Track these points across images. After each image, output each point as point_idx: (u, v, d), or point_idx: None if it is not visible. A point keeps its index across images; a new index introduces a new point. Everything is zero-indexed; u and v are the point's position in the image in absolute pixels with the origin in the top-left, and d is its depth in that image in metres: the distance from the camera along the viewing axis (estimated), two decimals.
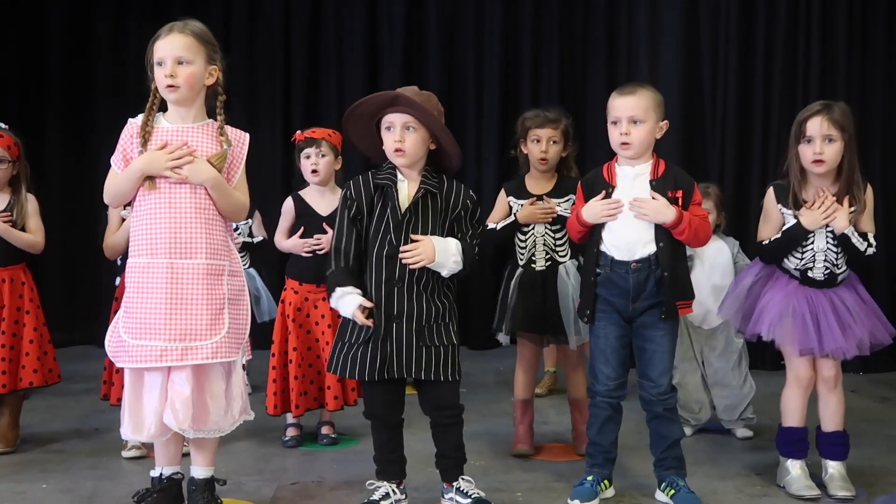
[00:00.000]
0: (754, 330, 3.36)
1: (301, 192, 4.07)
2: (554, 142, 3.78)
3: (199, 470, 3.03)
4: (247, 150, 2.99)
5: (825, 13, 5.82)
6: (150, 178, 2.86)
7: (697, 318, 4.00)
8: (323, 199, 4.00)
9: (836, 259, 3.28)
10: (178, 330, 2.83)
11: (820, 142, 3.22)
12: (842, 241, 3.24)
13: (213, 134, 2.94)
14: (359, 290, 3.01)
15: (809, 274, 3.30)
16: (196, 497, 3.00)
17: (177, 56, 2.85)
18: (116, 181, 2.91)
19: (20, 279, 3.93)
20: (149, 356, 2.83)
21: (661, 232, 3.13)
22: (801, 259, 3.31)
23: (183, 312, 2.84)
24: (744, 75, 5.94)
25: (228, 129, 2.97)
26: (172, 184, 2.86)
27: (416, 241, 2.99)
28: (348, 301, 2.99)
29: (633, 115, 3.13)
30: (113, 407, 3.71)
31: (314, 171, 3.96)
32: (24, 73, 6.72)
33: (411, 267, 2.99)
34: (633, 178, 3.18)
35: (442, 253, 2.99)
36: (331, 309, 3.88)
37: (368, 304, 2.99)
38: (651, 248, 3.14)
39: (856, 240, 3.23)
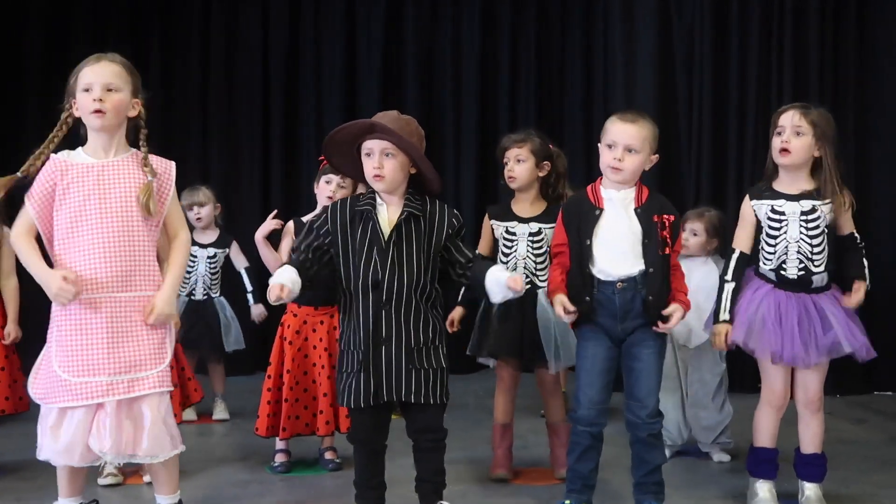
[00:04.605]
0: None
1: (304, 218, 4.03)
2: (520, 160, 3.78)
3: (164, 498, 3.00)
4: (174, 178, 2.98)
5: (796, 32, 5.88)
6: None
7: (682, 337, 4.02)
8: None
9: (812, 253, 3.28)
10: (122, 363, 2.82)
11: (789, 132, 3.28)
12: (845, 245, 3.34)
13: (137, 165, 2.92)
14: (294, 271, 2.97)
15: (783, 272, 3.31)
16: None
17: (106, 83, 2.86)
18: (22, 255, 2.88)
19: None
20: (95, 392, 2.80)
21: (651, 257, 3.14)
22: (775, 252, 3.32)
23: (126, 345, 2.83)
24: (718, 97, 5.99)
25: (153, 158, 2.96)
26: (101, 217, 2.83)
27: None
28: (279, 273, 2.97)
29: (629, 144, 3.15)
30: None
31: (329, 198, 3.91)
32: (2, 100, 6.67)
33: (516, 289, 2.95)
34: (618, 202, 3.20)
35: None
36: (327, 333, 3.93)
37: (287, 280, 2.94)
38: (635, 269, 3.15)
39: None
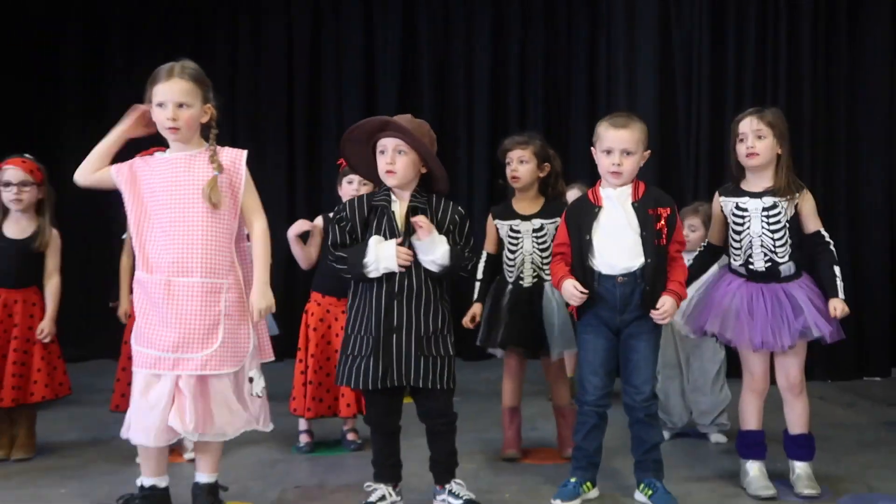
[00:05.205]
0: (698, 324, 3.43)
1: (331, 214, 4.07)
2: (523, 161, 3.81)
3: (203, 476, 3.06)
4: (244, 164, 2.99)
5: (791, 46, 5.89)
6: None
7: (684, 328, 4.03)
8: None
9: (774, 246, 3.31)
10: (170, 341, 2.88)
11: (752, 137, 3.32)
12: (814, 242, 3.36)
13: (206, 159, 2.96)
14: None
15: (751, 266, 3.34)
16: (200, 500, 3.04)
17: (177, 101, 2.91)
18: (94, 149, 3.02)
19: (31, 300, 3.96)
20: (145, 362, 2.91)
21: (649, 249, 3.17)
22: (741, 247, 3.35)
23: (176, 326, 2.88)
24: (715, 100, 5.99)
25: (224, 149, 3.00)
26: (166, 208, 2.91)
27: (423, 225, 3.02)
28: (385, 249, 3.01)
29: (625, 148, 3.18)
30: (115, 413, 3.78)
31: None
32: (43, 103, 6.81)
33: (418, 224, 3.00)
34: (616, 199, 3.23)
35: (438, 241, 3.03)
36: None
37: (399, 242, 3.02)
38: (636, 263, 3.18)
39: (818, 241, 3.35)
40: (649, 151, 3.28)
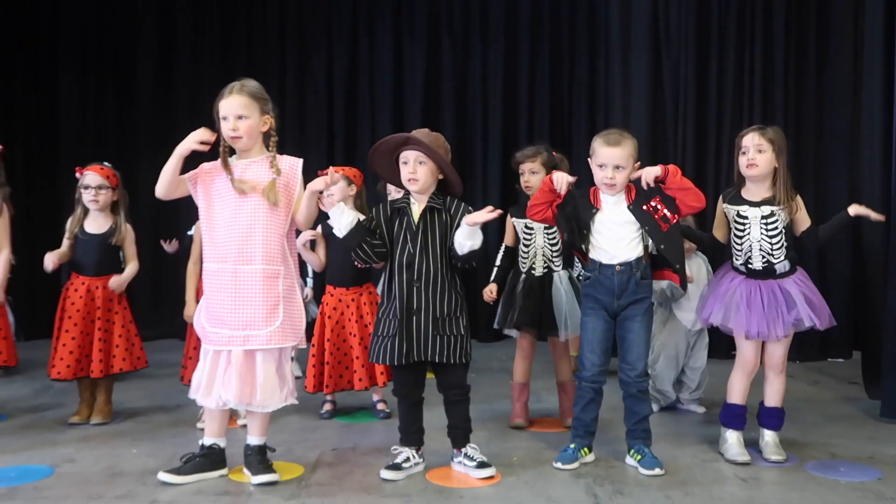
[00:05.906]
0: (704, 315, 3.40)
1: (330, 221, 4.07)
2: (534, 172, 3.79)
3: (254, 438, 3.09)
4: (300, 171, 3.04)
5: (765, 72, 5.86)
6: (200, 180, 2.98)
7: (689, 322, 4.01)
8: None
9: (772, 249, 3.28)
10: (240, 321, 2.92)
11: (753, 151, 3.28)
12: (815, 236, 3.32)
13: (266, 165, 3.01)
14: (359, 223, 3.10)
15: (751, 265, 3.31)
16: (251, 459, 3.07)
17: (237, 113, 2.94)
18: (163, 170, 2.97)
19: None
20: (220, 340, 2.94)
21: (656, 237, 3.15)
22: (742, 250, 3.33)
23: (244, 307, 2.92)
24: (699, 115, 5.95)
25: (283, 157, 3.03)
26: (232, 207, 2.95)
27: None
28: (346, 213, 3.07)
29: (617, 163, 3.17)
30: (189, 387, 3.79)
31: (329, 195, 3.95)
32: (120, 120, 6.90)
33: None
34: (613, 204, 3.22)
35: (475, 233, 3.04)
36: (357, 308, 3.97)
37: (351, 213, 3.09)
38: (632, 254, 3.17)
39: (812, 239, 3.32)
40: (638, 164, 3.26)
